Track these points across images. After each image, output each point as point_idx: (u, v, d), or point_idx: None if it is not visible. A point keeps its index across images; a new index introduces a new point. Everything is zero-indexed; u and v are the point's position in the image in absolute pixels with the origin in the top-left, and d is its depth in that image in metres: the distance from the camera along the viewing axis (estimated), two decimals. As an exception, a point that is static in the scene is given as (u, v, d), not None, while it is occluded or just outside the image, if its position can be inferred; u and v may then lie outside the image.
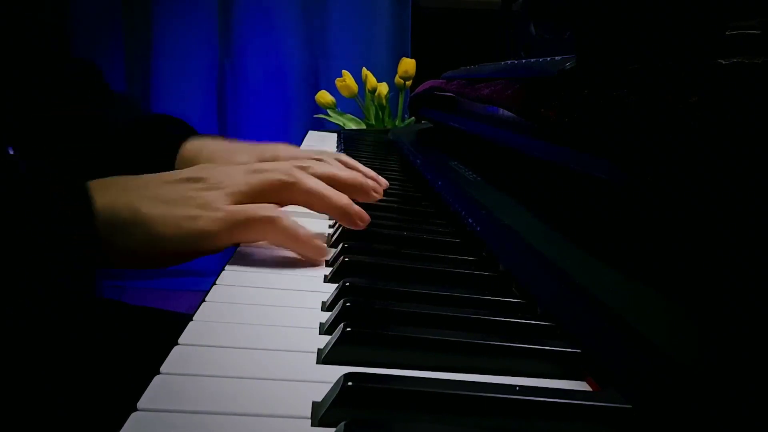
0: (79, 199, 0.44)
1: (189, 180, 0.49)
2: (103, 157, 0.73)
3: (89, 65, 0.84)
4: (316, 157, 0.76)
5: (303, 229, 0.49)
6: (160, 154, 0.74)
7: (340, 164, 0.74)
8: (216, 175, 0.50)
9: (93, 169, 0.57)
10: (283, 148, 0.77)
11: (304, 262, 0.51)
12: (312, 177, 0.52)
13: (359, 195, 0.56)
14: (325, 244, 0.51)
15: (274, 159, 0.73)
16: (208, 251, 0.48)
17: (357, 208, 0.52)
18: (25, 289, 0.42)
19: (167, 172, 0.50)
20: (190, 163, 0.73)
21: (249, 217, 0.47)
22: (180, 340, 0.35)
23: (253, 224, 0.47)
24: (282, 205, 0.53)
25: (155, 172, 0.52)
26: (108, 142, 0.75)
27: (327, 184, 0.52)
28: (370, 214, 0.63)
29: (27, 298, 0.42)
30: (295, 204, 0.52)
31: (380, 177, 0.80)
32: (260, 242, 0.56)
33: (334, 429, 0.27)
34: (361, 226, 0.52)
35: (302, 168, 0.52)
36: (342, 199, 0.52)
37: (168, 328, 0.39)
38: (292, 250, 0.50)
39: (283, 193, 0.51)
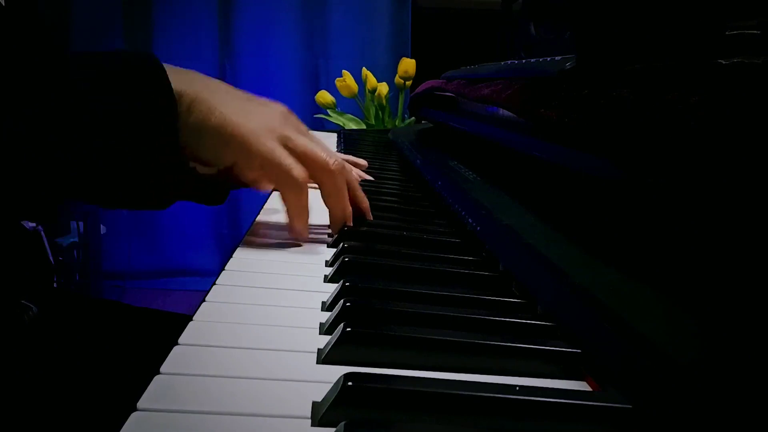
0: (160, 79, 0.47)
1: (259, 103, 0.54)
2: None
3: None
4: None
5: (307, 211, 0.54)
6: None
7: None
8: (280, 116, 0.55)
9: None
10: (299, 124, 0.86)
11: (304, 262, 0.51)
12: (343, 178, 0.56)
13: (358, 208, 0.60)
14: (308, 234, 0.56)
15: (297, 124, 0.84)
16: (240, 178, 0.53)
17: (346, 223, 0.57)
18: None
19: (234, 88, 0.55)
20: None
21: (287, 169, 0.51)
22: (180, 340, 0.35)
23: (285, 177, 0.51)
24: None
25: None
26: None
27: (349, 186, 0.58)
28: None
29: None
30: (319, 186, 0.56)
31: (359, 160, 0.90)
32: (259, 243, 0.56)
33: (334, 429, 0.27)
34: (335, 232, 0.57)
35: (343, 166, 0.57)
36: (348, 210, 0.57)
37: (168, 328, 0.39)
38: (292, 217, 0.54)
39: (319, 172, 0.54)
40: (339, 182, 0.55)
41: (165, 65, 0.48)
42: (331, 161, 0.54)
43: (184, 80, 0.49)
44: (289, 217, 0.55)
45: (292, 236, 0.55)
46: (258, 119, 0.51)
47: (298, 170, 0.52)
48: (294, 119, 0.83)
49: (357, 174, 0.88)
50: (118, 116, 0.44)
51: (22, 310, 0.56)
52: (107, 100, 0.44)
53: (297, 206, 0.54)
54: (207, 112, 0.48)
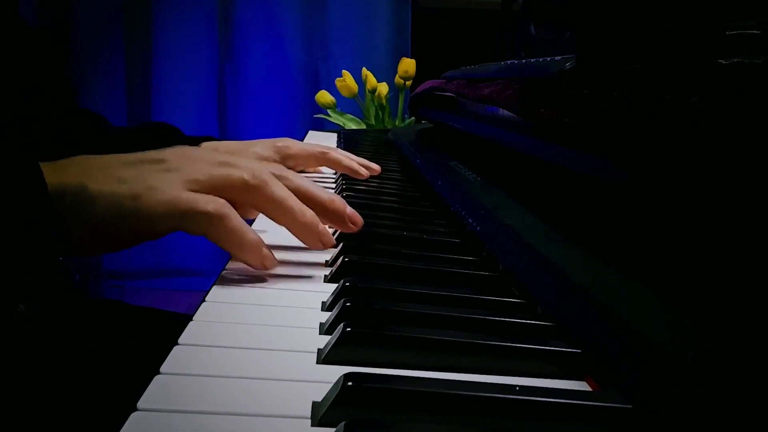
0: (30, 179, 0.41)
1: (151, 161, 0.46)
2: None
3: (89, 115, 0.85)
4: (320, 151, 0.80)
5: (252, 233, 0.45)
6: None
7: (341, 162, 0.80)
8: (179, 158, 0.46)
9: None
10: (292, 141, 0.82)
11: (304, 263, 0.51)
12: (280, 185, 0.47)
13: (335, 221, 0.51)
14: (274, 256, 0.46)
15: (286, 150, 0.80)
16: (148, 235, 0.45)
17: (323, 227, 0.48)
18: None
19: (134, 153, 0.47)
20: None
21: (192, 207, 0.43)
22: (180, 340, 0.35)
23: (195, 217, 0.43)
24: (247, 208, 0.50)
25: None
26: (118, 142, 0.77)
27: (301, 199, 0.48)
28: (369, 214, 0.62)
29: None
30: (256, 209, 0.49)
31: (372, 164, 0.83)
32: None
33: (334, 429, 0.27)
34: (321, 247, 0.49)
35: (278, 176, 0.48)
36: (306, 214, 0.47)
37: (168, 328, 0.39)
38: (235, 256, 0.46)
39: (245, 194, 0.46)
40: (273, 193, 0.46)
41: (45, 165, 0.42)
42: (247, 177, 0.46)
43: (67, 173, 0.44)
44: (230, 252, 0.46)
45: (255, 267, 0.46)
46: (155, 178, 0.44)
47: (203, 202, 0.43)
48: (270, 143, 0.78)
49: (356, 163, 0.81)
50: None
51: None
52: None
53: (223, 237, 0.44)
54: (90, 201, 0.42)
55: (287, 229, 0.48)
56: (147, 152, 0.47)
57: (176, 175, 0.45)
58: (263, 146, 0.79)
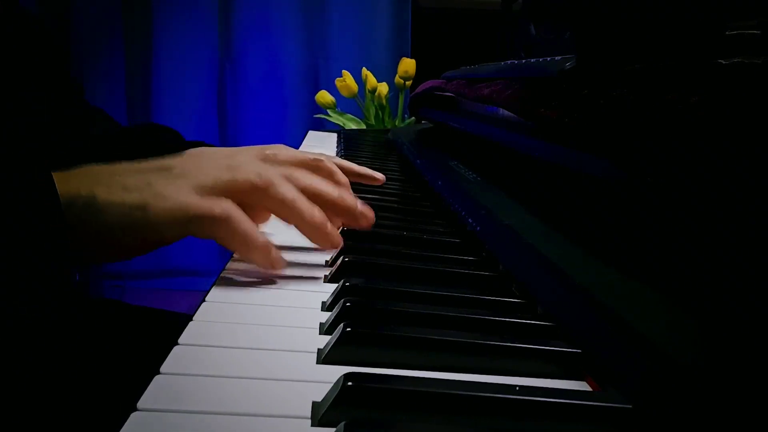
0: (43, 188, 0.42)
1: (158, 168, 0.46)
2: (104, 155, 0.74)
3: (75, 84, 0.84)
4: (312, 158, 0.76)
5: (262, 235, 0.45)
6: (167, 151, 0.74)
7: (334, 175, 0.74)
8: (186, 164, 0.47)
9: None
10: (283, 149, 0.77)
11: (305, 263, 0.51)
12: (289, 185, 0.47)
13: (346, 218, 0.51)
14: (282, 258, 0.46)
15: (273, 158, 0.74)
16: (159, 242, 0.45)
17: (331, 228, 0.48)
18: None
19: (141, 161, 0.47)
20: None
21: (199, 212, 0.43)
22: (180, 340, 0.35)
23: (203, 221, 0.43)
24: (258, 212, 0.50)
25: None
26: (106, 144, 0.76)
27: (310, 197, 0.48)
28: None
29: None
30: (266, 210, 0.49)
31: (376, 173, 0.79)
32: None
33: (334, 429, 0.27)
34: (330, 247, 0.48)
35: (286, 176, 0.48)
36: (315, 215, 0.47)
37: (168, 328, 0.39)
38: (244, 258, 0.46)
39: (253, 195, 0.46)
40: (281, 193, 0.46)
41: (55, 175, 0.43)
42: (254, 179, 0.46)
43: (75, 183, 0.44)
44: (238, 254, 0.46)
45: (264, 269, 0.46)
46: (163, 186, 0.44)
47: (209, 205, 0.43)
48: (257, 150, 0.74)
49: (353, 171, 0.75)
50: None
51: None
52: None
53: (233, 239, 0.44)
54: (99, 211, 0.43)
55: (297, 228, 0.48)
56: (154, 159, 0.48)
57: (184, 182, 0.45)
58: (249, 154, 0.76)
